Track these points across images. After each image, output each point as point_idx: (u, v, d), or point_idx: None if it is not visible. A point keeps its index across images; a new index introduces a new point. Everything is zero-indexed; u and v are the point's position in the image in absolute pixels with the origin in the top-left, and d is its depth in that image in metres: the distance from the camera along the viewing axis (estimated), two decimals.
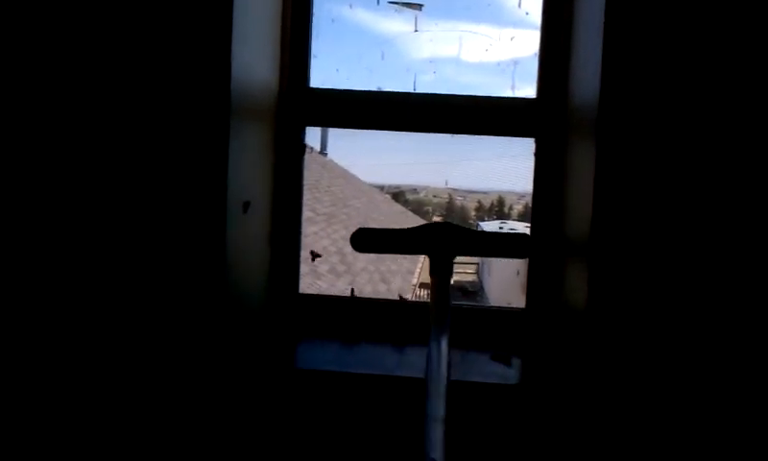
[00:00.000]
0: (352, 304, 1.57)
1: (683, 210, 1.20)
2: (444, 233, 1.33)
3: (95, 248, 1.27)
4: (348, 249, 1.42)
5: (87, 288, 1.28)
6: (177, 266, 1.26)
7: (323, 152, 2.98)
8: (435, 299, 1.28)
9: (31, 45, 1.26)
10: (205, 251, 1.25)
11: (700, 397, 1.21)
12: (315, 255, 1.69)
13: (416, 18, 1.62)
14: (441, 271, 1.31)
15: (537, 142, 1.54)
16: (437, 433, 1.06)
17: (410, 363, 1.37)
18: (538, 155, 1.54)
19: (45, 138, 1.27)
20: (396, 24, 1.65)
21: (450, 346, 1.17)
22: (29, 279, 1.28)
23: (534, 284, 1.54)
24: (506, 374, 1.32)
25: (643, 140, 1.20)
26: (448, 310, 1.24)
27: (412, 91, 1.59)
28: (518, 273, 1.63)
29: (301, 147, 1.60)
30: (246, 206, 1.34)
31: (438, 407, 1.08)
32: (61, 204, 1.27)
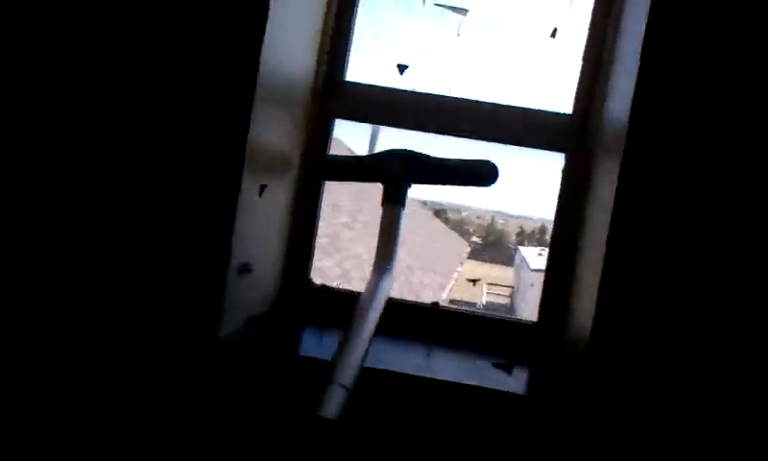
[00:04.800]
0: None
1: (700, 236, 1.20)
2: (399, 161, 1.30)
3: (109, 225, 1.32)
4: None
5: (97, 272, 1.32)
6: (186, 239, 1.30)
7: None
8: (384, 229, 1.26)
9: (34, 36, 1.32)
10: (215, 232, 1.28)
11: (701, 419, 1.20)
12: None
13: (459, 24, 1.63)
14: (393, 200, 1.28)
15: (567, 158, 1.53)
16: (352, 359, 1.04)
17: (419, 365, 1.37)
18: (566, 171, 1.53)
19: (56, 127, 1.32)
20: (438, 27, 1.67)
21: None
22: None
23: (547, 300, 1.53)
24: (506, 382, 1.32)
25: (666, 164, 1.21)
26: (396, 242, 1.24)
27: (447, 95, 1.60)
28: (532, 285, 1.62)
29: (329, 136, 1.62)
30: (262, 188, 1.37)
31: (362, 334, 1.07)
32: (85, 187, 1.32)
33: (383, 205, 1.31)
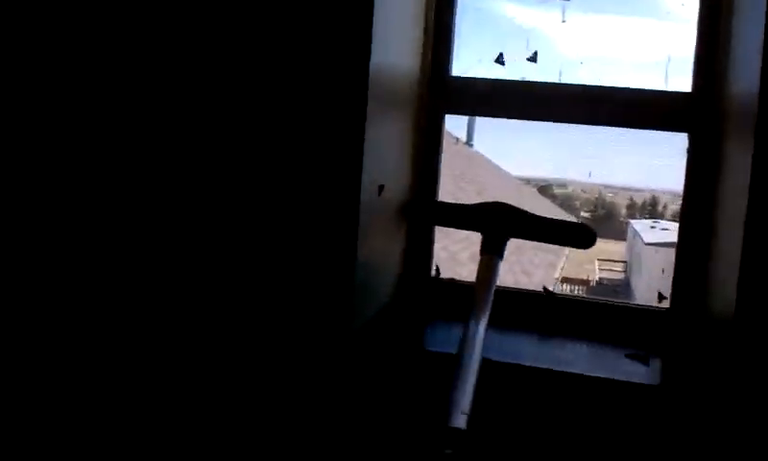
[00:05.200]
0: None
1: None
2: (500, 214, 1.34)
3: (234, 231, 1.39)
4: None
5: (226, 278, 1.40)
6: (309, 245, 1.35)
7: (469, 143, 2.99)
8: (481, 276, 1.29)
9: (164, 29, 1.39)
10: (339, 230, 1.33)
11: None
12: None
13: (563, 9, 1.60)
14: (491, 250, 1.31)
15: (690, 138, 1.48)
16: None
17: (545, 354, 1.38)
18: (691, 151, 1.48)
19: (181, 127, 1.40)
20: (542, 14, 1.64)
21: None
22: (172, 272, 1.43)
23: (680, 284, 1.48)
24: (643, 373, 1.29)
25: None
26: (492, 290, 1.27)
27: (558, 82, 1.58)
28: (663, 271, 1.57)
29: (440, 134, 1.63)
30: (380, 189, 1.40)
31: (466, 387, 1.12)
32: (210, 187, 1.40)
33: (481, 253, 1.35)
